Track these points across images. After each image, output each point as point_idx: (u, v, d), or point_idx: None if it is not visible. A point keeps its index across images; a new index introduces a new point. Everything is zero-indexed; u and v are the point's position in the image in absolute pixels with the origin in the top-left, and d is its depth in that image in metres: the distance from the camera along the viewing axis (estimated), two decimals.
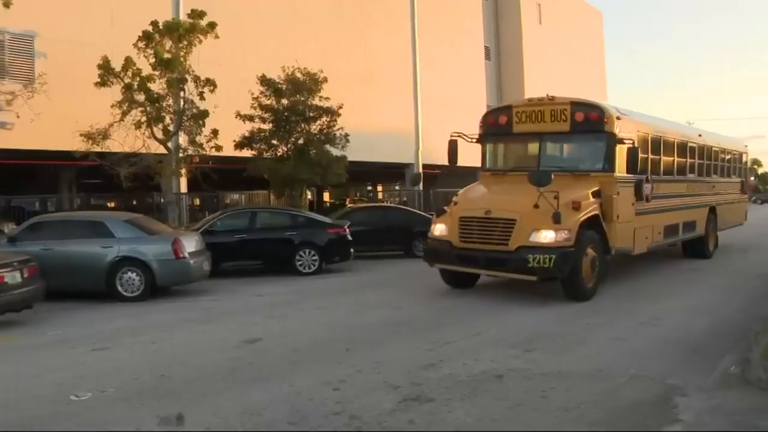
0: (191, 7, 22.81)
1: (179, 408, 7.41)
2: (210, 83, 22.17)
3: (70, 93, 21.97)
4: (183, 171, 23.65)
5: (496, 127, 15.72)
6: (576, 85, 46.45)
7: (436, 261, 14.68)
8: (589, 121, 14.53)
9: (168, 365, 9.44)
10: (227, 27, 23.38)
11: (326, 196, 44.59)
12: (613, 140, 14.47)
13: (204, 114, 22.04)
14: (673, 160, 18.55)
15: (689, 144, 19.94)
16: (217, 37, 22.18)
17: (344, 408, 7.36)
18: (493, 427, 6.86)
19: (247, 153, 25.65)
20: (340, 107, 25.85)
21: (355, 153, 27.26)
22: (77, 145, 20.84)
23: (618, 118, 14.77)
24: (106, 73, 21.04)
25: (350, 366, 9.03)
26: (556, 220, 12.90)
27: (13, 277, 12.41)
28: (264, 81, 25.33)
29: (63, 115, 21.46)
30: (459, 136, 15.33)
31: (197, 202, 33.73)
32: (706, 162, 21.44)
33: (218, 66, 23.72)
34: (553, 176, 13.19)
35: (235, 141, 25.08)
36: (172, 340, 11.17)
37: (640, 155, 15.27)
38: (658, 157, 17.42)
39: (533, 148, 15.50)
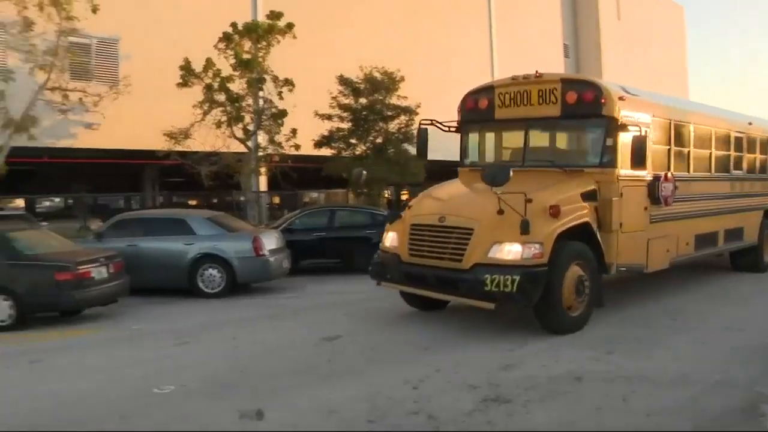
0: (269, 8, 23.13)
1: (259, 403, 7.48)
2: (288, 83, 22.47)
3: (152, 94, 22.54)
4: (262, 169, 24.02)
5: (476, 112, 12.99)
6: (656, 82, 45.41)
7: (382, 278, 12.03)
8: (584, 103, 11.61)
9: (248, 361, 9.57)
10: (305, 27, 23.62)
11: (404, 195, 44.49)
12: (614, 127, 11.52)
13: (283, 113, 22.36)
14: (710, 153, 15.19)
15: (734, 134, 16.33)
16: (294, 37, 22.43)
17: (422, 407, 7.33)
18: (572, 429, 6.75)
19: (325, 152, 25.86)
20: (418, 106, 25.85)
21: (432, 152, 27.13)
22: (160, 144, 21.36)
23: (621, 99, 11.74)
24: (188, 74, 21.53)
25: (429, 365, 8.97)
26: (524, 229, 10.03)
27: (99, 272, 12.80)
28: (342, 80, 25.51)
29: (146, 115, 22.10)
30: (431, 123, 12.98)
31: (276, 200, 34.14)
32: (761, 156, 17.73)
33: (297, 65, 23.97)
34: (512, 173, 10.24)
35: (314, 140, 25.33)
36: (252, 336, 11.30)
37: (657, 147, 12.78)
38: (686, 149, 14.14)
39: (518, 137, 12.76)
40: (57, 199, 31.16)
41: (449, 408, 7.31)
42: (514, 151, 12.93)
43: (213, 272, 15.26)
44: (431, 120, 13.04)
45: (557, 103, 11.81)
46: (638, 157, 11.54)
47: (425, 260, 11.03)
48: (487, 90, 12.95)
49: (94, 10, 18.14)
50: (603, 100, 11.50)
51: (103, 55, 24.59)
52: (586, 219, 10.98)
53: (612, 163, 11.55)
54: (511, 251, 10.19)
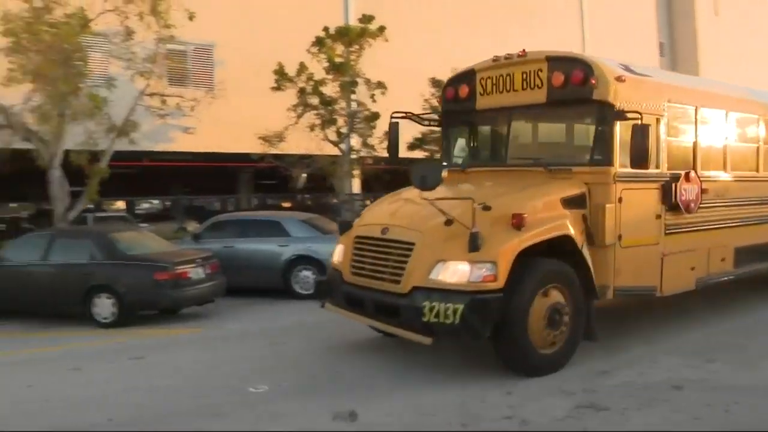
0: (361, 12, 23.25)
1: (352, 405, 7.49)
2: (381, 86, 22.51)
3: (246, 98, 22.91)
4: (355, 172, 24.16)
5: (456, 102, 10.87)
6: (758, 79, 43.71)
7: (326, 299, 10.14)
8: (571, 86, 9.41)
9: (341, 362, 9.62)
10: (397, 29, 23.63)
11: None
12: (609, 114, 9.20)
13: (375, 116, 22.41)
14: (758, 147, 12.37)
15: None
16: (386, 40, 22.46)
17: (516, 412, 7.23)
18: None
19: (418, 154, 25.83)
20: None
21: None
22: (254, 147, 21.75)
23: (619, 80, 9.36)
24: (282, 78, 21.82)
25: None
26: (473, 245, 8.01)
27: (196, 272, 13.11)
28: (434, 83, 25.44)
29: (240, 119, 22.47)
30: (404, 116, 10.72)
31: (369, 202, 34.33)
32: None
33: (389, 68, 24.02)
34: (445, 173, 8.79)
35: (407, 143, 25.32)
36: (346, 337, 11.27)
37: (677, 140, 10.54)
38: (721, 142, 11.48)
39: (500, 130, 10.71)
40: (155, 201, 32.08)
41: (543, 414, 7.20)
42: (497, 147, 10.98)
43: (307, 273, 15.37)
44: (405, 112, 10.91)
45: (543, 86, 9.75)
46: (642, 153, 9.05)
47: (365, 280, 9.19)
48: (468, 75, 10.85)
49: (191, 18, 18.56)
50: (593, 81, 9.27)
51: (199, 61, 25.17)
52: (563, 231, 8.74)
53: (606, 161, 9.27)
54: (456, 272, 8.18)
